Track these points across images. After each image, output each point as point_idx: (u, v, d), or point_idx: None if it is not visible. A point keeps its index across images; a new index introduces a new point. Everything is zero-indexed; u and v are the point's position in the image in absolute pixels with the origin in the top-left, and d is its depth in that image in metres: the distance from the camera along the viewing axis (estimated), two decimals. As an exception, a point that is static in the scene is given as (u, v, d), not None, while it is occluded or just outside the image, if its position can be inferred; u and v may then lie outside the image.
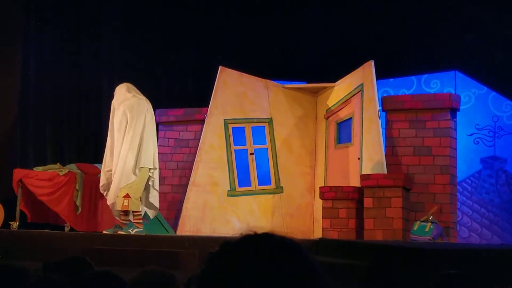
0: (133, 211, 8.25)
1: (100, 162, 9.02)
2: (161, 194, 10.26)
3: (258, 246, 1.46)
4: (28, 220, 9.28)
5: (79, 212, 9.04)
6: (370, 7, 10.87)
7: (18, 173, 9.15)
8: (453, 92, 9.78)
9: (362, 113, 8.95)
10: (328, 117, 10.05)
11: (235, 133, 10.00)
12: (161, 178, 10.56)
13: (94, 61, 11.52)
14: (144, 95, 11.12)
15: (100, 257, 6.36)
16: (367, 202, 7.73)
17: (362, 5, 10.98)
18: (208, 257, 1.49)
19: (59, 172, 9.05)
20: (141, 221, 8.34)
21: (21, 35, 11.00)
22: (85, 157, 10.54)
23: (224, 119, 9.92)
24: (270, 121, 10.17)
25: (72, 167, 9.32)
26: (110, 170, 8.34)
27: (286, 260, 1.45)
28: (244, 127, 10.08)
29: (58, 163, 9.45)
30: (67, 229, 9.08)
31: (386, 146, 9.04)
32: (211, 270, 1.47)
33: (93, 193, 9.19)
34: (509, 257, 5.38)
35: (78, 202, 9.04)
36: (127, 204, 8.14)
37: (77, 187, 9.06)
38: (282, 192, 10.02)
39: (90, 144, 11.34)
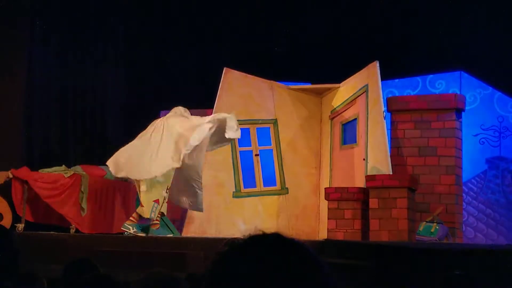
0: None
1: (105, 163, 9.07)
2: (167, 196, 10.25)
3: (267, 245, 1.46)
4: (35, 221, 9.27)
5: (84, 213, 9.06)
6: (375, 7, 10.86)
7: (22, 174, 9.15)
8: (458, 92, 9.76)
9: (367, 114, 8.94)
10: (333, 118, 10.04)
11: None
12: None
13: (99, 63, 11.54)
14: (148, 96, 11.13)
15: (105, 259, 6.36)
16: (373, 202, 7.72)
17: (367, 5, 10.96)
18: (216, 257, 1.49)
19: (64, 174, 9.06)
20: None
21: (27, 39, 11.03)
22: (90, 159, 10.54)
23: (229, 121, 9.90)
24: (275, 122, 10.17)
25: (78, 169, 9.33)
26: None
27: (295, 259, 1.45)
28: (249, 128, 10.08)
29: (63, 165, 9.46)
30: (72, 230, 9.09)
31: (391, 147, 9.02)
32: (219, 270, 1.47)
33: (98, 195, 9.20)
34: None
35: (83, 204, 9.05)
36: None
37: (82, 189, 9.07)
38: (287, 193, 10.01)
39: (95, 146, 11.36)
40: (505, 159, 9.74)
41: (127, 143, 8.61)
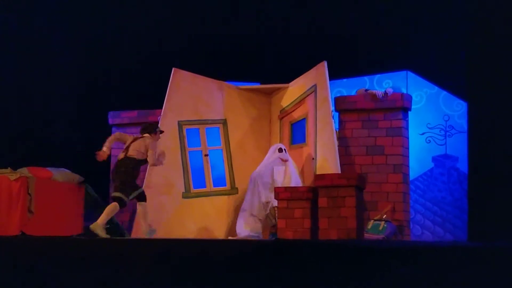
0: None
1: (52, 165, 8.94)
2: (115, 197, 10.08)
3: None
4: None
5: (32, 216, 8.88)
6: (323, 8, 10.93)
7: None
8: (404, 91, 9.90)
9: (316, 113, 9.00)
10: (282, 118, 10.08)
11: (189, 135, 9.96)
12: (115, 181, 10.43)
13: (45, 62, 11.35)
14: (96, 96, 10.94)
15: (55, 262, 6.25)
16: (322, 201, 7.77)
17: (315, 5, 11.03)
18: None
19: (9, 177, 8.88)
20: None
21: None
22: (36, 161, 10.35)
23: (178, 121, 9.87)
24: (224, 122, 10.16)
25: (24, 171, 9.15)
26: None
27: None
28: (198, 128, 10.05)
29: (9, 168, 9.27)
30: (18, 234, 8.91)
31: (339, 146, 9.10)
32: None
33: (46, 197, 9.03)
34: (462, 254, 5.45)
35: (31, 207, 8.88)
36: None
37: (29, 192, 8.90)
38: (237, 193, 10.02)
39: (41, 148, 11.16)
40: (451, 157, 9.91)
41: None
